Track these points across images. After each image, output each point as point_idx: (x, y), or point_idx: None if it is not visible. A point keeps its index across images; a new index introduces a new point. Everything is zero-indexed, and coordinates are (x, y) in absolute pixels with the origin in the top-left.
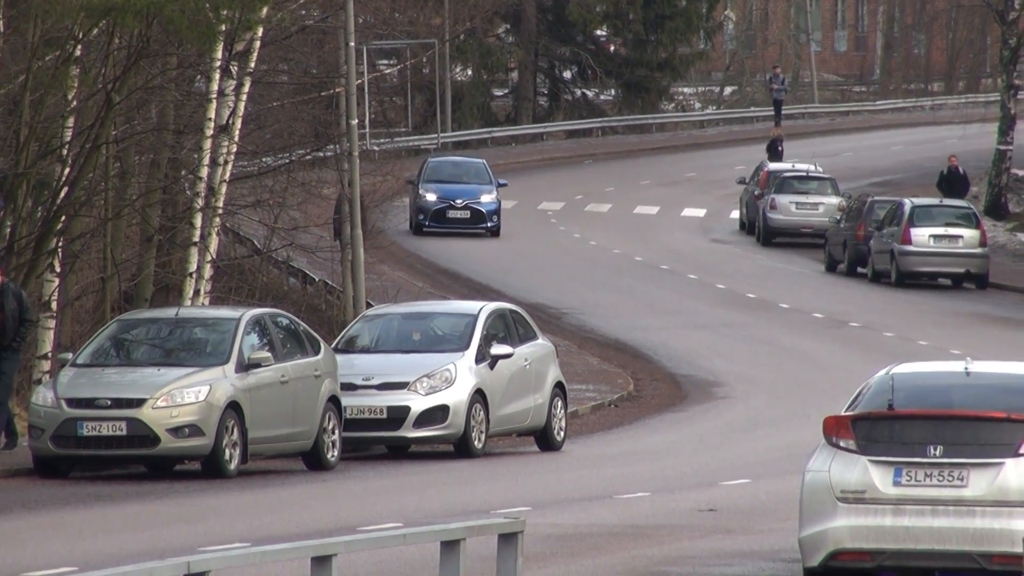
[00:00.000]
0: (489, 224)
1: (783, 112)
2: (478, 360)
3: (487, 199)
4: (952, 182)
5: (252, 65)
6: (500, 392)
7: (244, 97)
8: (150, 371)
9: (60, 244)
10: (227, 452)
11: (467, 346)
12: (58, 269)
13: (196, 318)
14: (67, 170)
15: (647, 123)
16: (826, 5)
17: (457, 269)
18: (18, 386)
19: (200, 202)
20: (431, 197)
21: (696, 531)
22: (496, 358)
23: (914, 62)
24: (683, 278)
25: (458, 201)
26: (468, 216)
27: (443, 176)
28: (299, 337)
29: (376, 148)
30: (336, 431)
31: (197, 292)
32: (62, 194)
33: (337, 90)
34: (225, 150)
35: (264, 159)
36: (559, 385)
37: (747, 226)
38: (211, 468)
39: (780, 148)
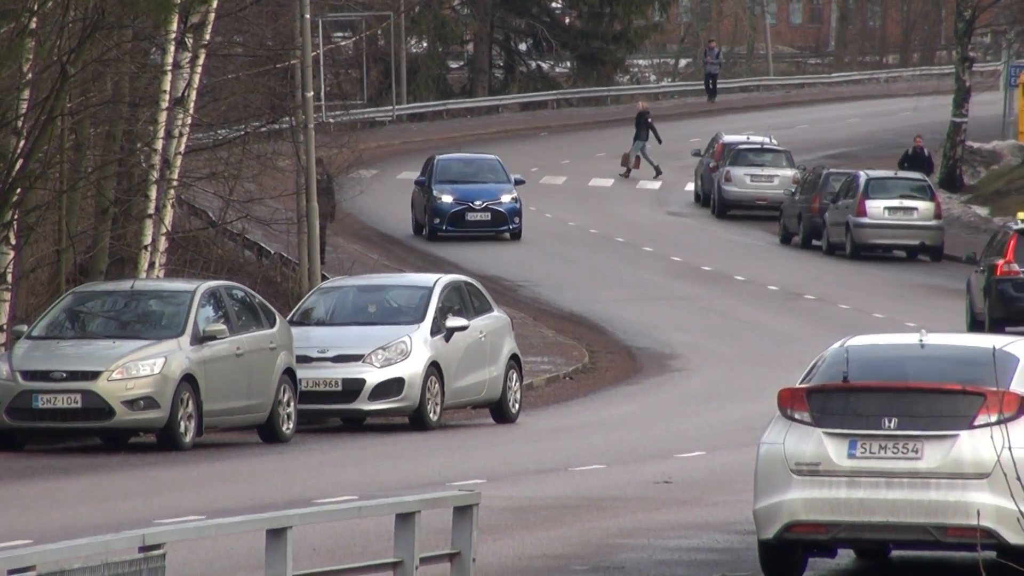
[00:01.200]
0: (511, 226)
1: (718, 86)
2: (433, 332)
3: (507, 199)
4: (916, 162)
5: (207, 37)
6: (455, 364)
7: (199, 69)
8: (105, 344)
9: (15, 216)
10: (182, 424)
11: (422, 318)
12: (13, 242)
13: (151, 291)
14: (22, 142)
15: (602, 95)
16: None
17: (412, 241)
18: None
19: (155, 174)
20: (447, 199)
21: (651, 503)
22: (451, 330)
23: (869, 34)
24: (638, 250)
25: (477, 203)
26: (488, 218)
27: (455, 175)
28: (254, 309)
29: (331, 120)
30: (291, 403)
31: (152, 264)
32: (17, 166)
33: (292, 62)
34: (180, 122)
35: (219, 131)
36: (514, 357)
37: (702, 198)
38: (166, 440)
39: (649, 120)
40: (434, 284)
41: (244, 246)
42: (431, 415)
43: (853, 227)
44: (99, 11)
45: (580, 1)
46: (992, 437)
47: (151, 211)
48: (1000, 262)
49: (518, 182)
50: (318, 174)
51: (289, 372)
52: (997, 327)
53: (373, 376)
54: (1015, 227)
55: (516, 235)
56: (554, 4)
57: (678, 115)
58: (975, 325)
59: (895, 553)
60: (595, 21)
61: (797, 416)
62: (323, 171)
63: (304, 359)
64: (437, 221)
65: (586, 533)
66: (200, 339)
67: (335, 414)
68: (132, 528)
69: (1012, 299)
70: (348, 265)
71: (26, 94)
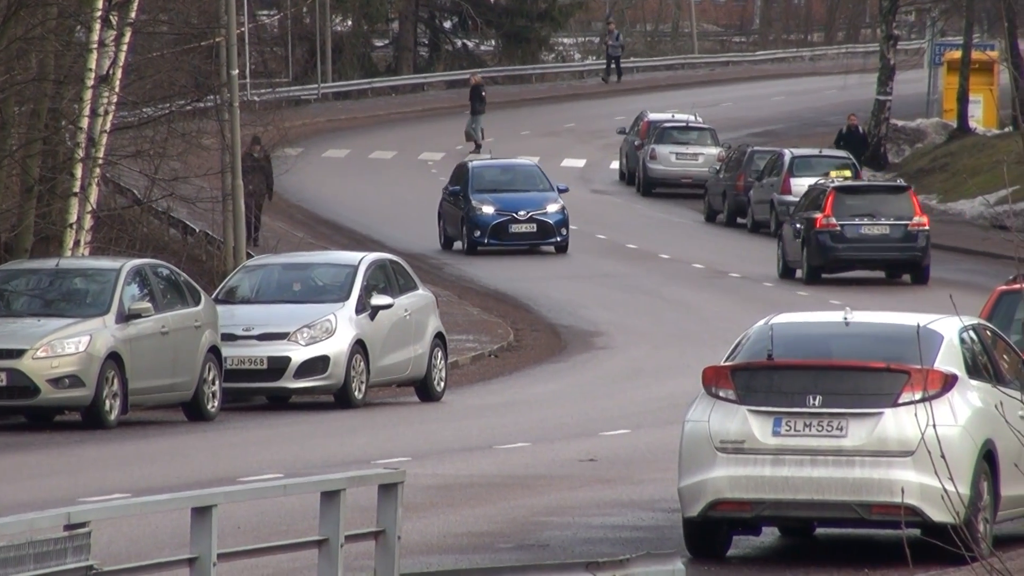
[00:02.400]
0: (558, 238)
1: (622, 66)
2: (358, 310)
3: (553, 209)
4: (851, 141)
5: (132, 15)
6: (380, 342)
7: (125, 47)
8: (30, 322)
9: None
10: (107, 403)
11: (347, 296)
12: None
13: (76, 269)
14: None
15: (527, 73)
16: None
17: (337, 220)
18: None
19: (81, 152)
20: (488, 210)
21: (576, 481)
22: (376, 308)
23: (794, 12)
24: None
25: (521, 213)
26: (534, 230)
27: (493, 183)
28: (180, 288)
29: (257, 99)
30: (216, 381)
31: (77, 243)
32: None
33: (217, 40)
34: (106, 100)
35: (145, 109)
36: (439, 335)
37: (627, 176)
38: (91, 419)
39: (483, 94)
40: (359, 262)
41: (169, 224)
42: (356, 393)
43: (778, 205)
44: None
45: None
46: (916, 415)
47: (76, 189)
48: (819, 216)
49: (562, 191)
50: (256, 152)
51: (214, 350)
52: (813, 274)
53: (298, 354)
54: (833, 184)
55: (563, 248)
56: None
57: (603, 93)
58: (787, 272)
59: (820, 531)
60: None
61: (722, 394)
62: (261, 149)
63: (229, 337)
64: (477, 234)
65: (511, 511)
66: (125, 317)
67: (260, 392)
68: (57, 506)
69: (829, 249)
70: (273, 243)
71: None
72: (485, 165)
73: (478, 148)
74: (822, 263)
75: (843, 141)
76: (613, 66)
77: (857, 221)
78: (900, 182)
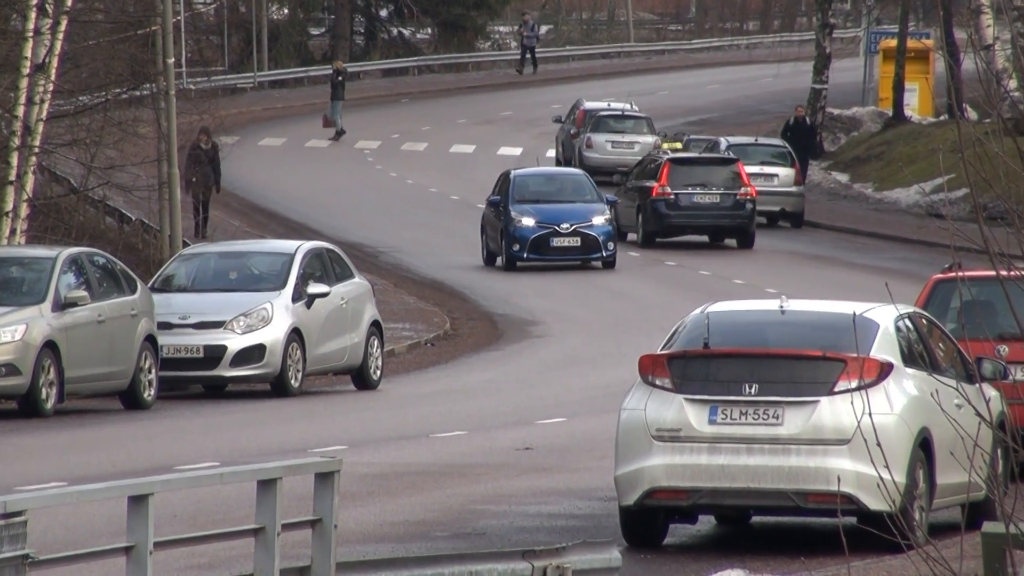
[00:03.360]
0: (604, 253)
1: (536, 56)
2: (295, 299)
3: (599, 221)
4: (798, 132)
5: (68, 3)
6: (317, 331)
7: (61, 36)
8: None
9: None
10: (44, 391)
11: (284, 285)
12: None
13: (12, 257)
14: None
15: (463, 62)
16: None
17: (274, 208)
18: None
19: (16, 141)
20: (528, 222)
21: (512, 470)
22: (313, 297)
23: (729, 1)
24: None
25: (563, 225)
26: (578, 244)
27: (536, 194)
28: (116, 276)
29: (193, 87)
30: (153, 370)
31: (13, 231)
32: None
33: (153, 28)
34: (42, 89)
35: (81, 98)
36: (375, 324)
37: (564, 164)
38: (27, 407)
39: (341, 79)
40: (295, 251)
41: (105, 213)
42: (292, 382)
43: None
44: None
45: None
46: (852, 403)
47: (12, 178)
48: (655, 185)
49: (611, 202)
50: (204, 142)
51: (150, 339)
52: (648, 239)
53: (234, 343)
54: (667, 156)
55: (610, 264)
56: None
57: (539, 81)
58: (620, 235)
59: (756, 519)
60: None
61: (658, 382)
62: (209, 140)
63: (165, 326)
64: (516, 248)
65: (447, 500)
66: (62, 306)
67: (196, 381)
68: None
69: (664, 215)
70: (209, 232)
71: None
72: (528, 174)
73: (339, 135)
74: (657, 228)
75: (790, 132)
76: (528, 56)
77: (690, 190)
78: (729, 155)
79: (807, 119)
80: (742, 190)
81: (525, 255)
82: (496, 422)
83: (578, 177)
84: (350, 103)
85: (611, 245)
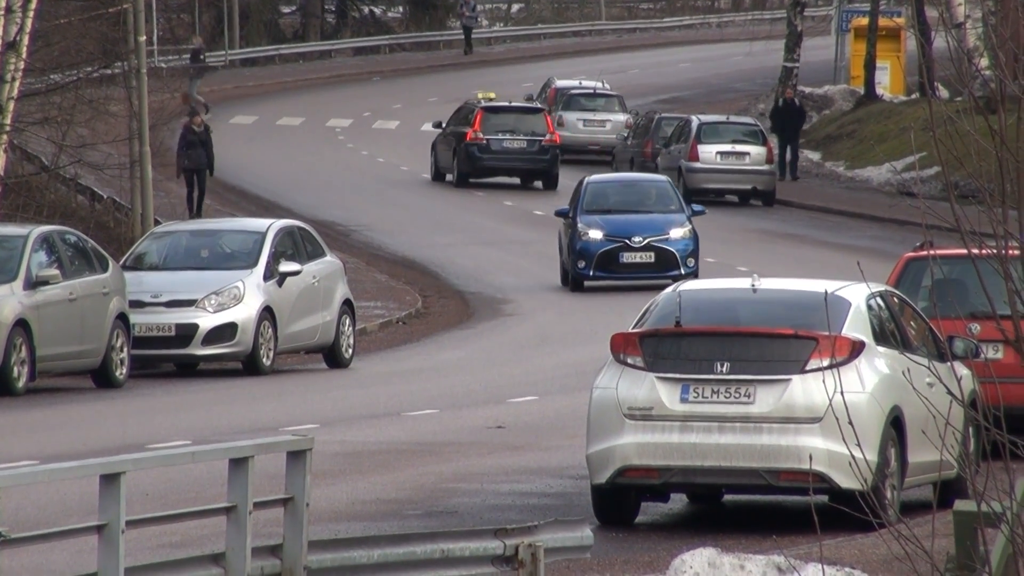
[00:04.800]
0: (683, 271)
1: (473, 37)
2: (266, 277)
3: (678, 234)
4: (788, 114)
5: None
6: (288, 309)
7: (32, 14)
8: None
9: None
10: (15, 369)
11: (255, 263)
12: None
13: None
14: None
15: (434, 40)
16: None
17: (245, 186)
18: None
19: None
20: (595, 235)
21: (484, 448)
22: (284, 275)
23: None
24: (471, 195)
25: (635, 239)
26: (652, 260)
27: (611, 203)
28: (87, 255)
29: (164, 65)
30: (125, 348)
31: None
32: None
33: (124, 6)
34: (13, 67)
35: (52, 76)
36: (347, 302)
37: None
38: None
39: (203, 57)
40: (267, 229)
41: (77, 191)
42: (264, 360)
43: (685, 172)
44: None
45: None
46: (824, 381)
47: None
48: (469, 130)
49: (696, 212)
50: (195, 125)
51: (122, 317)
52: (462, 179)
53: (206, 321)
54: (481, 104)
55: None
56: None
57: (510, 60)
58: (438, 176)
59: (728, 498)
60: None
61: (630, 361)
62: (202, 123)
63: (137, 304)
64: (582, 265)
65: (419, 478)
66: (33, 284)
67: (168, 359)
68: None
69: (476, 158)
70: (181, 210)
71: None
72: (603, 180)
73: (207, 110)
74: (469, 170)
75: (780, 115)
76: (465, 37)
77: (500, 136)
78: (536, 104)
79: (796, 100)
80: (547, 137)
81: (591, 272)
82: (468, 400)
83: (662, 185)
84: (319, 82)
85: (691, 262)
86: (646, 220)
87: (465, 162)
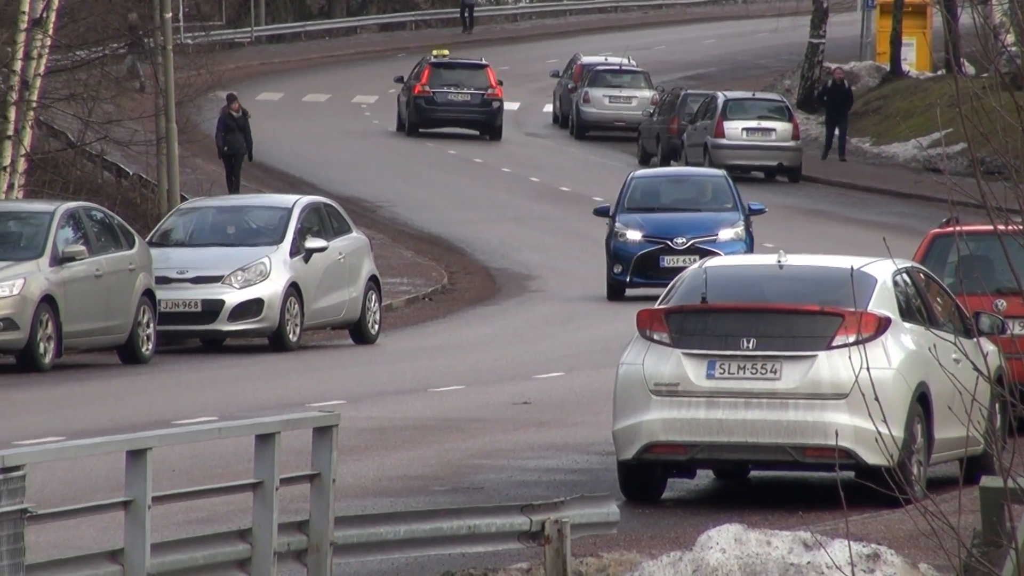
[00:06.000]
0: None
1: (474, 15)
2: (292, 253)
3: (728, 235)
4: (836, 95)
5: None
6: (315, 285)
7: None
8: None
9: None
10: (41, 346)
11: (281, 239)
12: None
13: (10, 212)
14: None
15: (456, 16)
16: None
17: (271, 163)
18: None
19: (14, 95)
20: (634, 236)
21: (510, 424)
22: (311, 251)
23: None
24: (497, 172)
25: (678, 240)
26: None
27: (656, 200)
28: (114, 231)
29: (190, 42)
30: (151, 324)
31: (11, 186)
32: None
33: None
34: (39, 44)
35: (78, 53)
36: (373, 278)
37: (561, 119)
38: (25, 362)
39: (142, 33)
40: (293, 205)
41: (103, 167)
42: (290, 336)
43: (711, 148)
44: None
45: None
46: (850, 358)
47: (10, 132)
48: (417, 84)
49: (755, 211)
50: (234, 111)
51: (148, 293)
52: (413, 129)
53: (232, 297)
54: (431, 60)
55: None
56: None
57: (537, 36)
58: (400, 127)
59: (754, 474)
60: None
61: (656, 337)
62: (239, 107)
63: (163, 280)
64: (618, 270)
65: (445, 454)
66: (59, 260)
67: (195, 335)
68: None
69: (424, 110)
70: (207, 186)
71: None
72: (651, 175)
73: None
74: (417, 121)
75: (827, 96)
76: (466, 16)
77: (445, 90)
78: (482, 60)
79: (845, 82)
80: (489, 91)
81: (628, 278)
82: (494, 376)
83: (717, 180)
84: (345, 58)
85: None
86: (693, 219)
87: (414, 113)
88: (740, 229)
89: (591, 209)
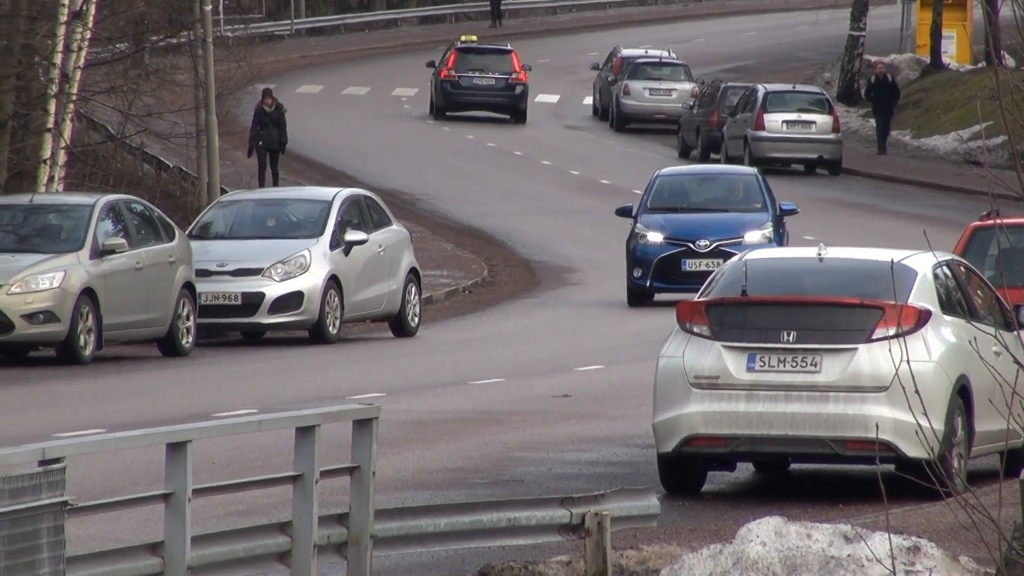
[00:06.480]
0: None
1: (502, 9)
2: (332, 246)
3: (754, 237)
4: (883, 91)
5: None
6: (355, 278)
7: None
8: (4, 257)
9: None
10: (82, 338)
11: (321, 232)
12: None
13: (50, 204)
14: None
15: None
16: None
17: (311, 155)
18: None
19: (54, 88)
20: (654, 238)
21: (550, 417)
22: (350, 244)
23: None
24: (536, 164)
25: (701, 243)
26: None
27: (681, 200)
28: (154, 223)
29: (230, 35)
30: (191, 317)
31: (51, 178)
32: None
33: None
34: (79, 36)
35: (118, 45)
36: (413, 271)
37: (600, 112)
38: (66, 354)
39: None
40: (333, 198)
41: (143, 160)
42: (330, 329)
43: (751, 141)
44: None
45: None
46: (890, 350)
47: (50, 125)
48: (443, 69)
49: (786, 211)
50: (268, 105)
51: (189, 286)
52: (440, 112)
53: (273, 290)
54: (458, 45)
55: None
56: None
57: (577, 28)
58: (431, 109)
59: (794, 466)
60: None
61: (696, 330)
62: (274, 102)
63: (204, 273)
64: (638, 274)
65: (485, 447)
66: (100, 253)
67: (235, 328)
68: (32, 442)
69: (450, 94)
70: (247, 179)
71: None
72: (677, 174)
73: None
74: (443, 104)
75: (873, 91)
76: (494, 9)
77: (471, 74)
78: (507, 46)
79: (888, 76)
80: (513, 75)
81: (648, 283)
82: (534, 369)
83: (747, 178)
84: (384, 51)
85: None
86: (718, 220)
87: (440, 97)
88: (768, 231)
89: (632, 201)
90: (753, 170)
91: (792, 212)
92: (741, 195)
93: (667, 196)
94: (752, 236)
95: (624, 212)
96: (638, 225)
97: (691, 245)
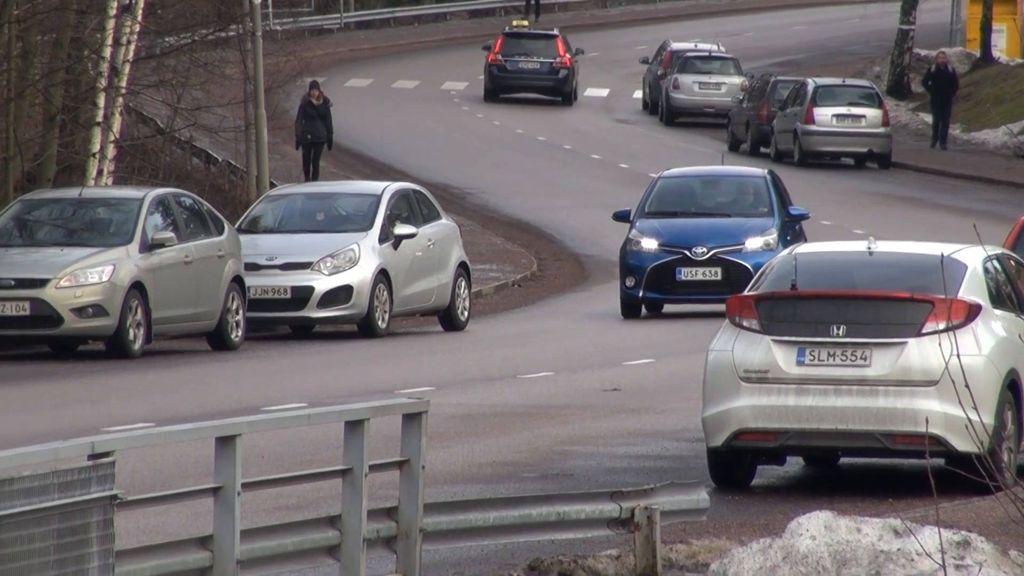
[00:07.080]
0: None
1: (541, 2)
2: (381, 240)
3: (756, 244)
4: (941, 80)
5: None
6: (404, 272)
7: None
8: (53, 251)
9: None
10: (131, 332)
11: (371, 226)
12: None
13: (99, 198)
14: None
15: (549, 3)
16: None
17: (360, 149)
18: None
19: (103, 82)
20: (649, 245)
21: (599, 411)
22: (400, 238)
23: None
24: (586, 158)
25: (698, 250)
26: (718, 277)
27: (681, 204)
28: (203, 217)
29: (279, 28)
30: (240, 311)
31: (100, 172)
32: None
33: None
34: (128, 30)
35: (167, 39)
36: (462, 265)
37: (650, 106)
38: (115, 348)
39: None
40: (382, 192)
41: (192, 154)
42: (380, 322)
43: (801, 134)
44: None
45: None
46: (940, 344)
47: (99, 119)
48: (491, 53)
49: (795, 216)
50: (315, 99)
51: (238, 280)
52: (489, 95)
53: (322, 283)
54: (507, 31)
55: None
56: None
57: (626, 22)
58: (485, 94)
59: (844, 460)
60: None
61: (746, 324)
62: (320, 95)
63: (253, 267)
64: (630, 284)
65: (535, 440)
66: (149, 247)
67: (284, 322)
68: (81, 436)
69: (498, 77)
70: (296, 172)
71: None
72: (679, 176)
73: None
74: (492, 88)
75: (931, 80)
76: (533, 2)
77: (517, 58)
78: (555, 31)
79: (948, 66)
80: (558, 59)
81: (641, 293)
82: (583, 363)
83: (756, 180)
84: (434, 45)
85: None
86: (717, 226)
87: (488, 80)
88: (772, 238)
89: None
90: (763, 172)
91: (802, 217)
92: (747, 199)
93: (668, 199)
94: (753, 243)
95: (621, 217)
96: (632, 231)
97: (687, 253)
